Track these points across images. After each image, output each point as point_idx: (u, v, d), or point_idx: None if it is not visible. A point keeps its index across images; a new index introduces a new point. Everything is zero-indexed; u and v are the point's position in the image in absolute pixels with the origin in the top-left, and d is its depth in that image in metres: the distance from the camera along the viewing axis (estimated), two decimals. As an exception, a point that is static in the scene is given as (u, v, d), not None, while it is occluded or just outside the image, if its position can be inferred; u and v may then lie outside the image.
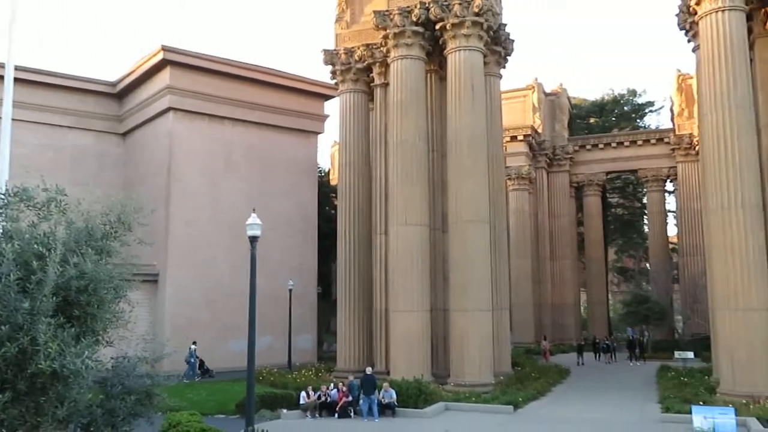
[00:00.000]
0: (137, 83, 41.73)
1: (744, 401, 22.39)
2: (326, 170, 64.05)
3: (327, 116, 45.89)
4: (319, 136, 46.09)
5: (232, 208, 38.77)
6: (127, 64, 42.28)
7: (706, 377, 30.00)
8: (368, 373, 24.74)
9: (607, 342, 46.89)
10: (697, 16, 26.75)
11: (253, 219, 18.55)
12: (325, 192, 51.96)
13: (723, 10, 25.31)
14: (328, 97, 44.98)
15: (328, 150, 75.89)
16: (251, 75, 41.55)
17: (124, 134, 44.25)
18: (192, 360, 34.53)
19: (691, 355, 37.56)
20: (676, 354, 38.35)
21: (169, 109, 38.70)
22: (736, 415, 20.43)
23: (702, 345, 40.84)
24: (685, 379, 30.00)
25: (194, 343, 34.95)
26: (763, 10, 27.05)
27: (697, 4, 26.40)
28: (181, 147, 38.76)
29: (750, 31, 27.15)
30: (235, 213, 37.28)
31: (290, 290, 38.33)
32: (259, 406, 22.36)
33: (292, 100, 43.49)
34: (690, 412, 21.03)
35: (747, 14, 26.22)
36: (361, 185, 33.79)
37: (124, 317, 10.07)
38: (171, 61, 38.58)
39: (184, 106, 38.93)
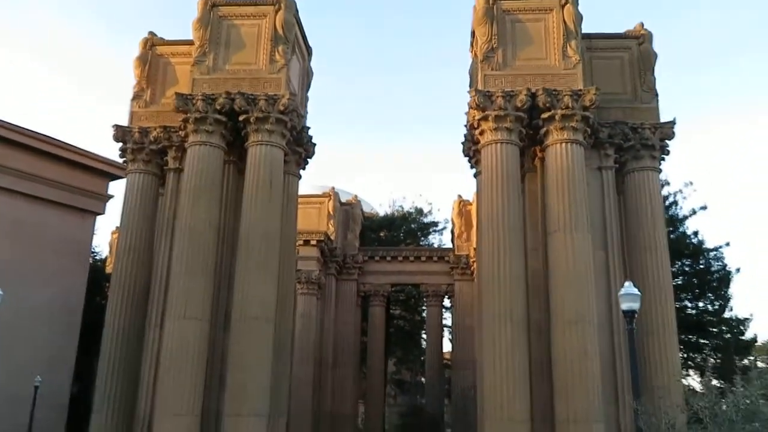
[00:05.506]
0: None
1: None
2: (104, 257, 58.52)
3: (111, 197, 42.40)
4: (101, 218, 42.34)
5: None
6: None
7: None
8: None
9: None
10: (480, 145, 29.59)
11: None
12: (99, 280, 47.00)
13: (501, 143, 28.36)
14: (114, 177, 41.75)
15: (108, 236, 69.85)
16: (20, 139, 37.18)
17: None
18: None
19: (459, 467, 38.75)
20: (446, 466, 39.35)
21: None
22: None
23: (469, 457, 42.27)
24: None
25: None
26: (532, 148, 30.73)
27: (481, 134, 29.28)
28: None
29: (522, 165, 30.58)
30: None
31: (36, 387, 33.01)
32: None
33: (70, 174, 39.56)
34: None
35: (520, 150, 29.58)
36: (139, 273, 30.93)
37: None
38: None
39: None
